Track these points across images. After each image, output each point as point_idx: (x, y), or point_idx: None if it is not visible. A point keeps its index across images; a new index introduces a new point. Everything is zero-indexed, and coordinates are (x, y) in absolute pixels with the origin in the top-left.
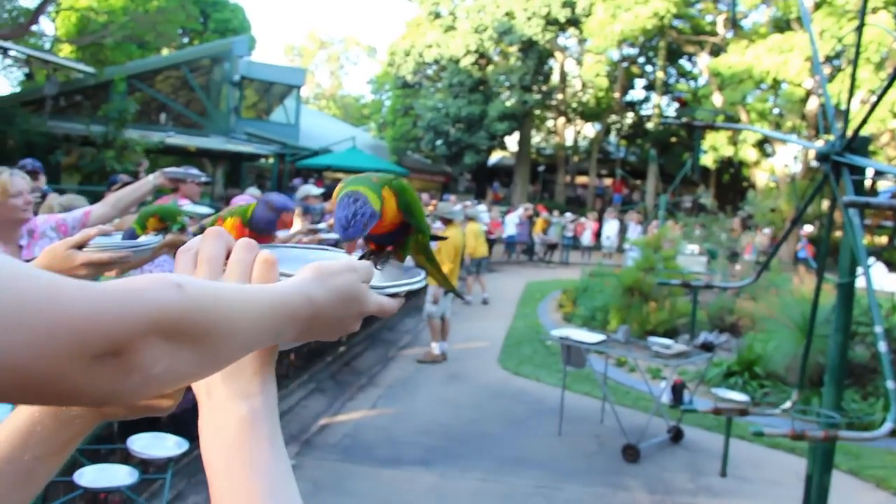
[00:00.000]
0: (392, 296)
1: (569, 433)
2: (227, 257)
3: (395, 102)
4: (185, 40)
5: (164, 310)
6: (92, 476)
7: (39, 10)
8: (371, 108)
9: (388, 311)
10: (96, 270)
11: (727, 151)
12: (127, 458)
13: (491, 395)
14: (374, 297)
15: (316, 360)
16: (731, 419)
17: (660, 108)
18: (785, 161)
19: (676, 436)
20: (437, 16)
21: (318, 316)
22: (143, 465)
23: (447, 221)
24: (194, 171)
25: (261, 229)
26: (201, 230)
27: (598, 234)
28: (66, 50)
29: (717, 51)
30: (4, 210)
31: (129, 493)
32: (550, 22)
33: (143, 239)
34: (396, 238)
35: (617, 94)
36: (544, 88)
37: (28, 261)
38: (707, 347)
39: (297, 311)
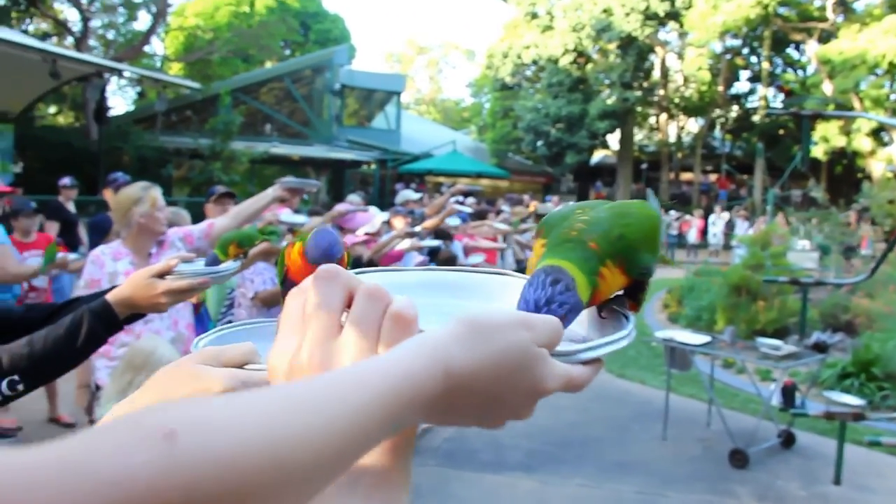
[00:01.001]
0: (588, 361)
1: (673, 437)
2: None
3: (494, 105)
4: (287, 52)
5: (134, 496)
6: None
7: (150, 31)
8: (471, 112)
9: (578, 385)
10: (177, 298)
11: (839, 142)
12: None
13: (594, 397)
14: (559, 367)
15: None
16: (845, 424)
17: (766, 99)
18: None
19: (787, 441)
20: (534, 16)
21: (462, 393)
22: None
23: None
24: (312, 181)
25: (313, 260)
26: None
27: (703, 232)
28: (175, 68)
29: (826, 37)
30: (151, 222)
31: None
32: (649, 17)
33: (221, 266)
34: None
35: (721, 88)
36: (645, 85)
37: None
38: (820, 348)
39: (422, 390)
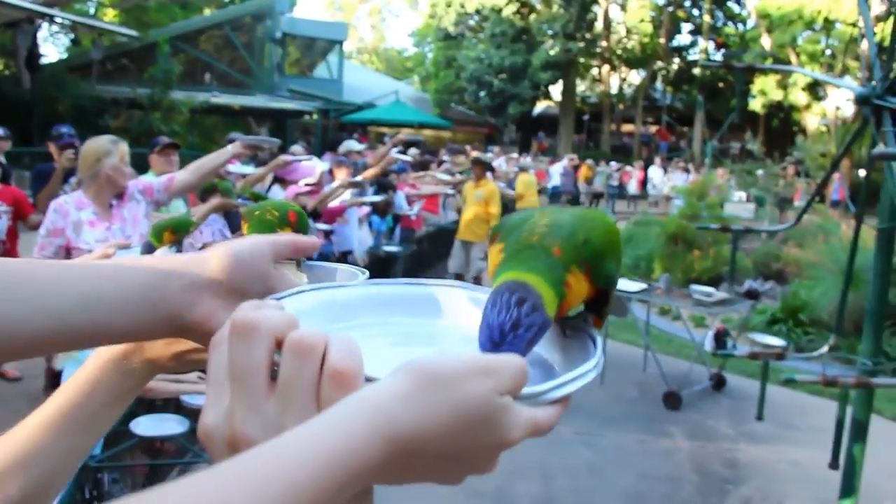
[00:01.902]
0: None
1: (611, 381)
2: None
3: (437, 54)
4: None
5: None
6: (147, 425)
7: None
8: (414, 61)
9: (545, 429)
10: None
11: (776, 95)
12: (178, 409)
13: None
14: (524, 414)
15: None
16: (768, 364)
17: (706, 52)
18: (837, 104)
19: (718, 383)
20: None
21: (413, 457)
22: (194, 415)
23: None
24: (272, 139)
25: None
26: (251, 196)
27: (643, 183)
28: (110, 14)
29: None
30: (118, 175)
31: (184, 441)
32: None
33: (159, 253)
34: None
35: (662, 40)
36: (588, 36)
37: (111, 225)
38: (751, 295)
39: (365, 461)
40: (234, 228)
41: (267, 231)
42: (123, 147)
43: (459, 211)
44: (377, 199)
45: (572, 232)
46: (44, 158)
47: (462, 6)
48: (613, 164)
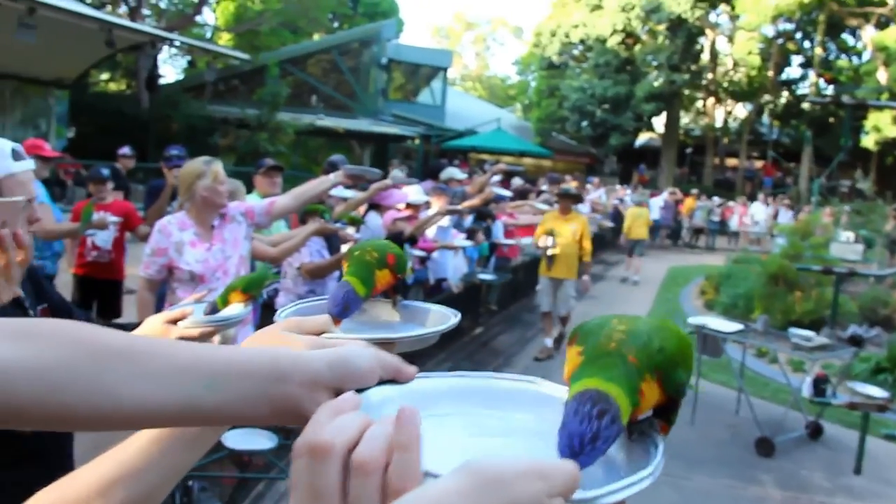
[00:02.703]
0: None
1: (701, 422)
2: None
3: (540, 83)
4: (336, 25)
5: None
6: (237, 439)
7: (202, 1)
8: (517, 89)
9: None
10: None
11: (891, 132)
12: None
13: None
14: None
15: (453, 338)
16: (869, 415)
17: (817, 86)
18: None
19: (815, 432)
20: None
21: None
22: (283, 431)
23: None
24: (374, 169)
25: (335, 315)
26: (349, 220)
27: (746, 220)
28: (224, 38)
29: (884, 23)
30: (213, 195)
31: (271, 457)
32: None
33: (233, 312)
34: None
35: (771, 73)
36: (693, 68)
37: (212, 246)
38: (855, 341)
39: None
40: (334, 250)
41: (364, 271)
42: (216, 167)
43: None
44: (467, 244)
45: (648, 340)
46: (158, 174)
47: (567, 36)
48: (716, 198)
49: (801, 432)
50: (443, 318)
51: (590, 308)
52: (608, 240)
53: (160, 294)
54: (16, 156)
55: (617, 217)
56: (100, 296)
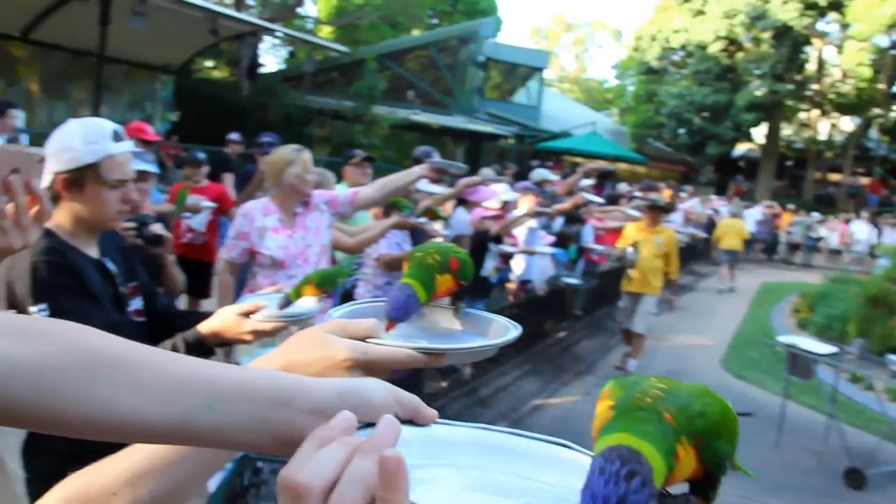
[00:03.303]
0: None
1: (787, 446)
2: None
3: (638, 88)
4: (435, 21)
5: None
6: None
7: None
8: (614, 93)
9: None
10: (261, 336)
11: None
12: None
13: None
14: None
15: (535, 341)
16: None
17: None
18: None
19: None
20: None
21: None
22: None
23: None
24: (459, 163)
25: (393, 318)
26: (429, 213)
27: (846, 237)
28: (325, 31)
29: None
30: (301, 183)
31: None
32: (809, 6)
33: (305, 308)
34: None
35: (882, 85)
36: (798, 78)
37: (294, 233)
38: None
39: None
40: (416, 244)
41: (425, 274)
42: (306, 156)
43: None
44: (549, 250)
45: (688, 402)
46: (253, 160)
47: (667, 41)
48: (815, 214)
49: (895, 466)
50: (504, 329)
51: (677, 320)
52: (700, 251)
53: (241, 278)
54: (116, 137)
55: (711, 228)
56: (191, 276)
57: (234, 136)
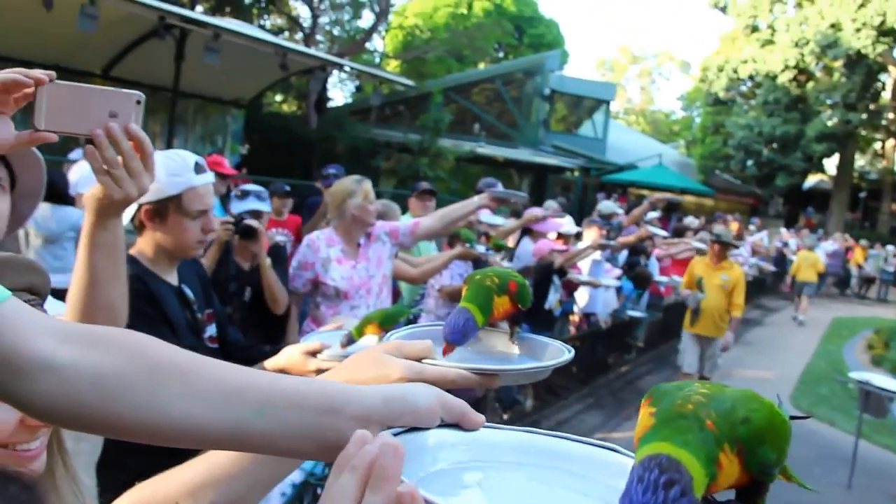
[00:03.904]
0: None
1: (860, 487)
2: None
3: (705, 119)
4: (500, 55)
5: None
6: None
7: (372, 29)
8: (681, 125)
9: None
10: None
11: None
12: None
13: None
14: None
15: (597, 374)
16: None
17: None
18: None
19: None
20: (755, 29)
21: None
22: None
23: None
24: (520, 193)
25: (451, 340)
26: (496, 247)
27: None
28: (392, 64)
29: None
30: (363, 214)
31: None
32: (884, 32)
33: (367, 346)
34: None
35: None
36: (872, 107)
37: (357, 263)
38: None
39: None
40: None
41: (483, 297)
42: (367, 186)
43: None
44: (614, 283)
45: (731, 408)
46: (318, 192)
47: (735, 71)
48: (890, 247)
49: None
50: (558, 352)
51: (744, 355)
52: (769, 284)
53: (304, 309)
54: (198, 169)
55: (780, 261)
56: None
57: (330, 169)
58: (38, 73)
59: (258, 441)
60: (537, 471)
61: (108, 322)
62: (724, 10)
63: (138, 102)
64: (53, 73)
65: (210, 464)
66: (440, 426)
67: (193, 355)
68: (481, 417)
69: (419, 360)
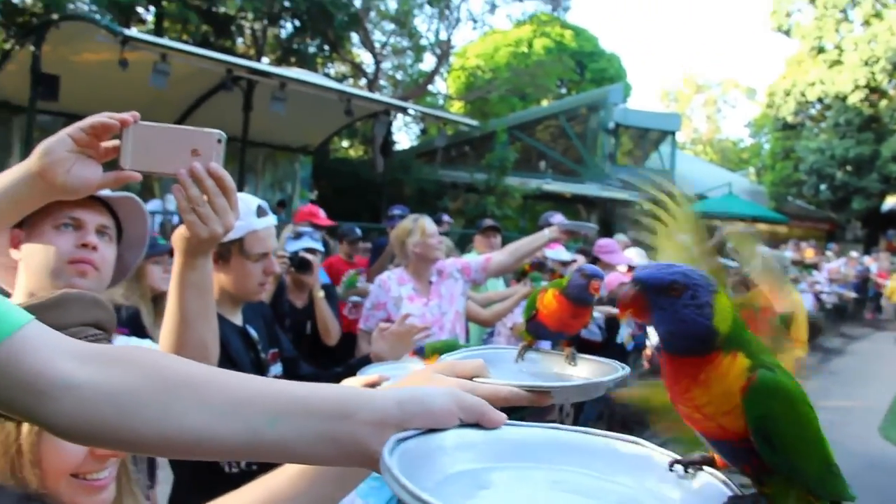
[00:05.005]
0: None
1: None
2: None
3: (774, 145)
4: (563, 91)
5: None
6: None
7: (434, 72)
8: (750, 152)
9: None
10: None
11: None
12: None
13: (866, 466)
14: None
15: None
16: None
17: None
18: None
19: None
20: (821, 50)
21: None
22: None
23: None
24: (589, 224)
25: (575, 297)
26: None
27: None
28: (455, 106)
29: None
30: (425, 250)
31: None
32: None
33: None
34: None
35: None
36: None
37: (429, 301)
38: None
39: None
40: None
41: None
42: (423, 222)
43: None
44: None
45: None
46: (385, 234)
47: (802, 95)
48: None
49: None
50: (612, 370)
51: (830, 385)
52: (850, 312)
53: None
54: (259, 212)
55: (862, 287)
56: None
57: (443, 217)
58: (124, 114)
59: (272, 449)
60: (557, 471)
61: (201, 359)
62: (787, 33)
63: (219, 141)
64: (138, 114)
65: (267, 486)
66: (461, 426)
67: (209, 369)
68: (502, 416)
69: (471, 378)
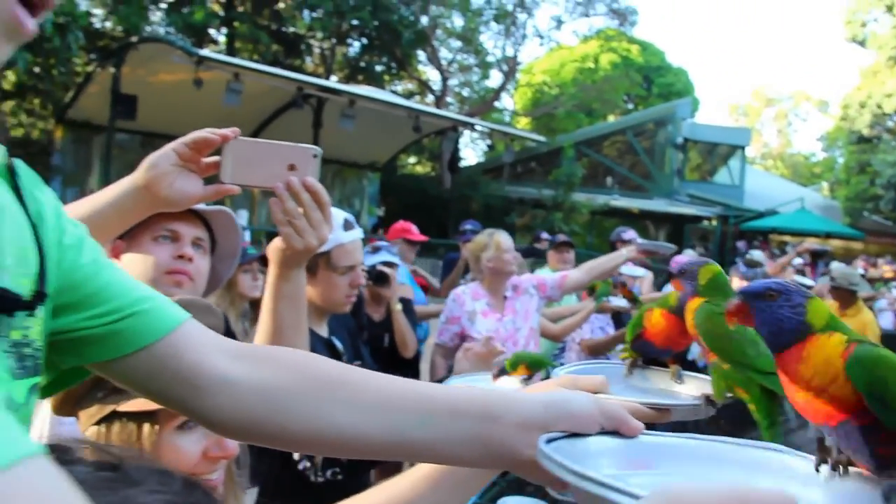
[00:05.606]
0: None
1: None
2: None
3: (849, 159)
4: (630, 106)
5: None
6: None
7: (501, 88)
8: (822, 167)
9: None
10: None
11: None
12: (545, 495)
13: None
14: None
15: (746, 425)
16: None
17: None
18: None
19: None
20: None
21: None
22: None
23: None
24: (668, 245)
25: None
26: (626, 293)
27: None
28: (522, 122)
29: None
30: (499, 264)
31: None
32: None
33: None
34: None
35: None
36: None
37: (503, 316)
38: None
39: None
40: (619, 325)
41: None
42: (498, 237)
43: None
44: None
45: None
46: (455, 249)
47: (879, 107)
48: None
49: None
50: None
51: None
52: None
53: (450, 364)
54: (346, 226)
55: None
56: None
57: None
58: (225, 130)
59: (420, 449)
60: (697, 479)
61: None
62: (862, 43)
63: (315, 156)
64: (238, 130)
65: (389, 492)
66: (600, 433)
67: (356, 369)
68: (640, 425)
69: (593, 393)
